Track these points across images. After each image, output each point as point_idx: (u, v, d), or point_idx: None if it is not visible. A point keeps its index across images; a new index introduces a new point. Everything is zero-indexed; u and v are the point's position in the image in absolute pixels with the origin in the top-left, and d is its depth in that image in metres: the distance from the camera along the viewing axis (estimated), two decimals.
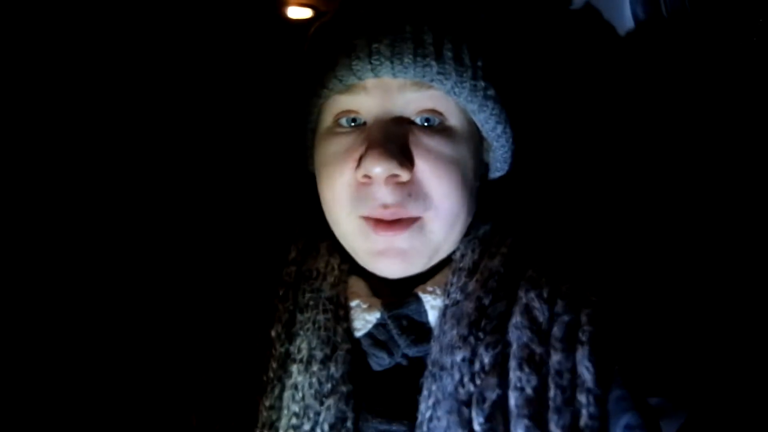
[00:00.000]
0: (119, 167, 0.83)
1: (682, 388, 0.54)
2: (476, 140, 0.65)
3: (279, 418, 0.59)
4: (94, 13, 0.81)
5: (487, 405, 0.53)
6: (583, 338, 0.55)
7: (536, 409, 0.52)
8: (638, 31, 0.79)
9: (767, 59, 0.72)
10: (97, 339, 0.70)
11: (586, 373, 0.54)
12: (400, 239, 0.60)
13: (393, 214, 0.59)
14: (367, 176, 0.59)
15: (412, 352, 0.62)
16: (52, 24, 0.78)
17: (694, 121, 0.75)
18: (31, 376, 0.67)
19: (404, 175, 0.58)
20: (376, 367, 0.62)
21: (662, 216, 0.75)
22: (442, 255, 0.64)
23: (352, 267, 0.67)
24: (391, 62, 0.58)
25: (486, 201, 0.68)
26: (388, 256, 0.61)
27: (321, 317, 0.63)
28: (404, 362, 0.62)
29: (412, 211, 0.60)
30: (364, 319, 0.63)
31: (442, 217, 0.61)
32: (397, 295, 0.64)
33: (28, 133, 0.76)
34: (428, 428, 0.56)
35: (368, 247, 0.62)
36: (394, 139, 0.59)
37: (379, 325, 0.63)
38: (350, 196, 0.61)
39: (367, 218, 0.61)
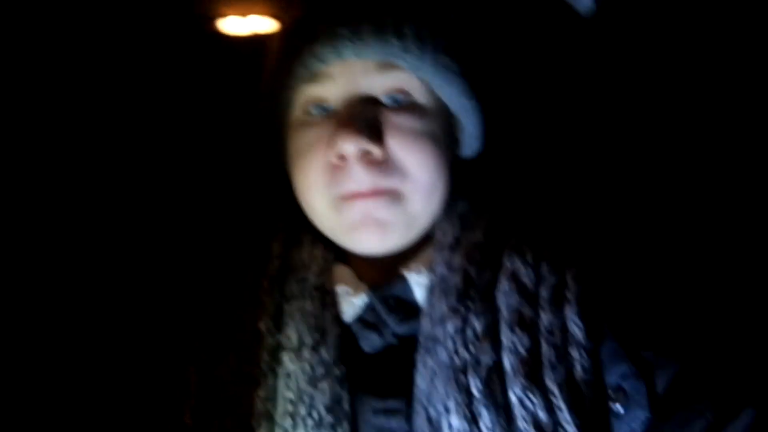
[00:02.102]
0: (99, 167, 0.82)
1: (672, 341, 0.56)
2: (445, 116, 0.66)
3: (275, 407, 0.58)
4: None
5: (483, 370, 0.54)
6: (570, 297, 0.57)
7: (531, 368, 0.53)
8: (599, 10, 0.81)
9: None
10: (84, 338, 0.68)
11: (576, 329, 0.55)
12: (376, 208, 0.60)
13: (367, 196, 0.60)
14: (340, 157, 0.59)
15: (401, 330, 0.62)
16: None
17: (659, 93, 0.77)
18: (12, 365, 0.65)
19: (375, 151, 0.59)
20: (368, 349, 0.62)
21: (639, 177, 0.77)
22: (418, 229, 0.64)
23: (336, 256, 0.68)
24: (353, 42, 0.59)
25: (461, 181, 0.69)
26: (366, 227, 0.60)
27: (308, 305, 0.63)
28: (395, 342, 0.62)
29: (388, 184, 0.60)
30: (352, 303, 0.64)
31: (419, 187, 0.61)
32: (382, 278, 0.65)
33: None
34: (427, 400, 0.56)
35: (344, 220, 0.61)
36: (362, 118, 0.59)
37: (367, 307, 0.63)
38: (324, 181, 0.61)
39: (341, 196, 0.61)
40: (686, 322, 0.57)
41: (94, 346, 0.67)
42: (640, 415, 0.53)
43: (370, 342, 0.62)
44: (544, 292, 0.58)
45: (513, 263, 0.60)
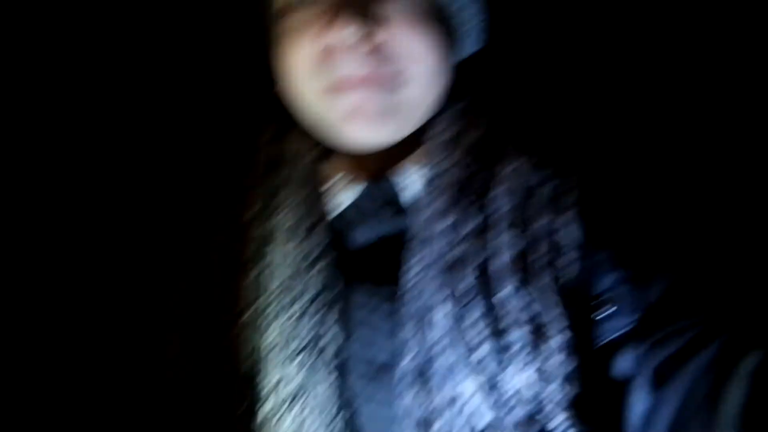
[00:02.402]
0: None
1: (668, 255, 0.56)
2: (446, 6, 0.61)
3: (264, 293, 0.58)
4: None
5: (474, 266, 0.54)
6: (568, 203, 0.56)
7: (523, 267, 0.53)
8: None
9: None
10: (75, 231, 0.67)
11: (571, 233, 0.55)
12: (370, 97, 0.57)
13: (361, 83, 0.56)
14: (334, 43, 0.56)
15: (392, 224, 0.61)
16: None
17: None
18: None
19: (374, 35, 0.55)
20: (357, 242, 0.62)
21: (647, 83, 0.75)
22: (414, 122, 0.61)
23: (327, 149, 0.65)
24: None
25: (462, 78, 0.66)
26: (358, 118, 0.57)
27: (298, 196, 0.62)
28: (385, 236, 0.61)
29: (386, 71, 0.57)
30: (342, 196, 0.63)
31: (419, 74, 0.58)
32: (374, 173, 0.63)
33: None
34: (417, 292, 0.56)
35: (335, 110, 0.58)
36: (359, 1, 0.55)
37: (359, 199, 0.62)
38: (313, 68, 0.57)
39: (333, 85, 0.57)
40: (684, 237, 0.57)
41: (84, 239, 0.66)
42: (626, 321, 0.53)
43: (360, 235, 0.61)
44: (543, 195, 0.57)
45: (513, 164, 0.59)
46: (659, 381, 0.49)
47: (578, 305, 0.53)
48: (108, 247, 0.65)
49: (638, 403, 0.50)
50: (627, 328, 0.53)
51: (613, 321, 0.54)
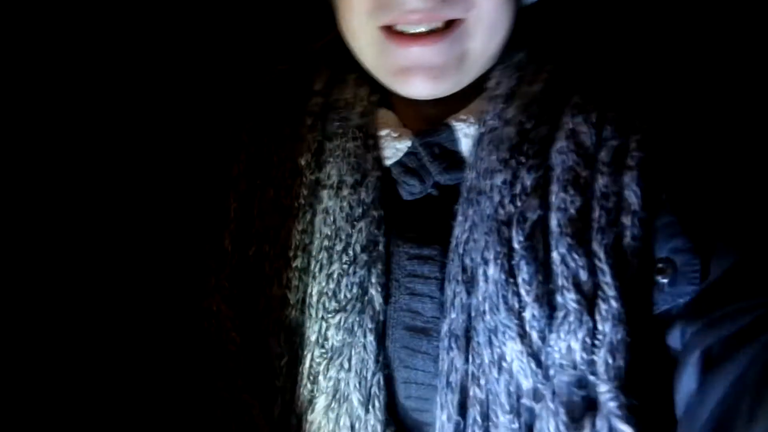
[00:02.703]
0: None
1: (736, 229, 0.51)
2: None
3: (312, 241, 0.59)
4: None
5: (528, 224, 0.52)
6: (632, 163, 0.53)
7: (578, 229, 0.51)
8: None
9: None
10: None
11: (632, 196, 0.52)
12: (431, 53, 0.55)
13: (421, 20, 0.54)
14: None
15: (444, 179, 0.60)
16: None
17: None
18: None
19: None
20: (406, 196, 0.61)
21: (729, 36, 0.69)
22: (474, 74, 0.59)
23: (381, 99, 0.65)
24: None
25: (522, 28, 0.62)
26: (414, 75, 0.56)
27: (350, 145, 0.61)
28: (435, 192, 0.61)
29: (448, 14, 0.54)
30: (395, 147, 0.62)
31: (485, 18, 0.55)
32: (427, 125, 0.62)
33: None
34: (464, 250, 0.55)
35: (389, 63, 0.57)
36: None
37: (410, 153, 0.61)
38: (373, 3, 0.55)
39: (387, 29, 0.56)
40: (757, 212, 0.53)
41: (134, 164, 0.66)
42: (683, 293, 0.50)
43: (410, 188, 0.61)
44: (603, 155, 0.54)
45: (574, 121, 0.56)
46: (709, 363, 0.46)
47: (634, 271, 0.51)
48: (159, 178, 0.66)
49: (686, 382, 0.48)
50: (682, 300, 0.50)
51: (669, 291, 0.51)
